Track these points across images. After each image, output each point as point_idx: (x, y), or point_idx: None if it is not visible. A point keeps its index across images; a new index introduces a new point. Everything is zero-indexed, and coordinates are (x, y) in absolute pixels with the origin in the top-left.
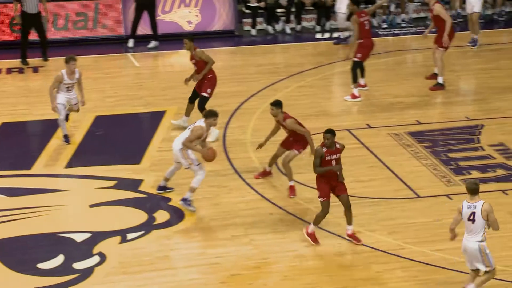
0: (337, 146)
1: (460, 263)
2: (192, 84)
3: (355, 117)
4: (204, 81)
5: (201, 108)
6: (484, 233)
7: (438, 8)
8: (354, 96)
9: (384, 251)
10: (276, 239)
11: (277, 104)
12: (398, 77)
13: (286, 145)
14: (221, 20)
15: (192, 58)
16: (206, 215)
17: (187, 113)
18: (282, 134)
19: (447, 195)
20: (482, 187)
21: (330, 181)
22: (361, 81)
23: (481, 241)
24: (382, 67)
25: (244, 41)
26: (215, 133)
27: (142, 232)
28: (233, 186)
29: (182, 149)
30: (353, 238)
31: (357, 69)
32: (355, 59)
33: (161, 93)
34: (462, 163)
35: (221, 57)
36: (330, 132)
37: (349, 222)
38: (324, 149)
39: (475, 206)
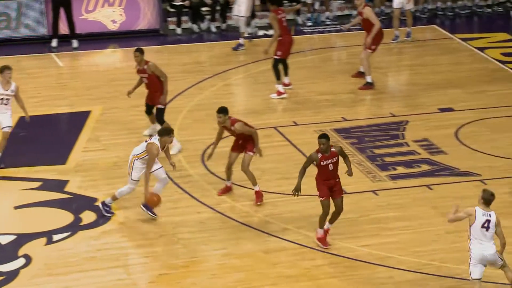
0: (333, 150)
1: (386, 258)
2: (140, 95)
3: (281, 114)
4: (155, 93)
5: (161, 121)
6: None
7: (368, 12)
8: (279, 93)
9: (312, 247)
10: (204, 237)
11: (223, 111)
12: (323, 75)
13: (237, 149)
14: (146, 19)
15: (142, 71)
16: (134, 215)
17: (153, 122)
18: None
19: (373, 191)
20: (407, 182)
21: (328, 183)
22: (285, 79)
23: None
24: (307, 65)
25: (169, 40)
26: (178, 146)
27: (69, 233)
28: None
29: (135, 157)
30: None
31: (278, 66)
32: (276, 56)
33: (86, 93)
34: (387, 159)
35: (146, 56)
36: (324, 137)
37: (330, 222)
38: (319, 155)
39: (490, 215)
